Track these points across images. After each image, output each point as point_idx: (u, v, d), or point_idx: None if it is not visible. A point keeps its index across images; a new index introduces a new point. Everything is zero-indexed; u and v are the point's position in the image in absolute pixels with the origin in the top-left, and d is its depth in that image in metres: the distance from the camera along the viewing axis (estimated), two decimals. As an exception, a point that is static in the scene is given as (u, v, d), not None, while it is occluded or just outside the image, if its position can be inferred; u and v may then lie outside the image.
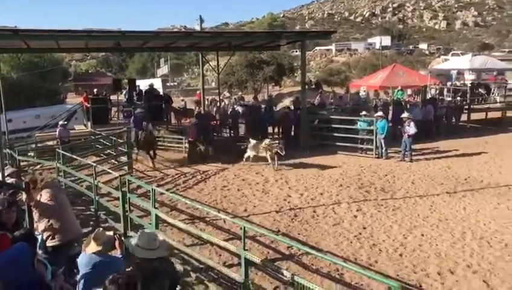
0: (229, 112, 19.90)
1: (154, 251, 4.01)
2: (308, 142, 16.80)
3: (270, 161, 14.24)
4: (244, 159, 15.02)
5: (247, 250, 6.04)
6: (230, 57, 27.75)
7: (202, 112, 19.35)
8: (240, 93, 32.79)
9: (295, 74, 45.13)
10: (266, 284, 6.60)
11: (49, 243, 5.57)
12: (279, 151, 14.07)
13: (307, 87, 20.17)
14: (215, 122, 18.99)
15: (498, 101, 24.90)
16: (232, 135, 19.45)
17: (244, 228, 5.97)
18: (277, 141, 14.67)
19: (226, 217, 8.24)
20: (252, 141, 14.91)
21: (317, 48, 76.81)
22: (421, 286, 6.68)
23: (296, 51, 54.98)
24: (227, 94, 31.87)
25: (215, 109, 21.44)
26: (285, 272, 5.59)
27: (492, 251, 7.86)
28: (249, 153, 14.84)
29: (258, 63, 40.32)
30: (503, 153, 15.60)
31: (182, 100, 25.40)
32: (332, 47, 77.78)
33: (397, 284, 4.95)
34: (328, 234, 8.89)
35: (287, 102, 28.70)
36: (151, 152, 15.21)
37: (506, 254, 7.71)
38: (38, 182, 5.63)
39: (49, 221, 5.61)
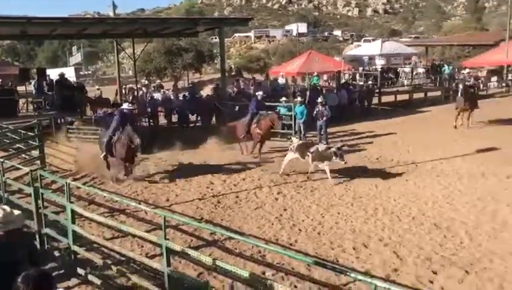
0: (147, 101, 19.45)
1: (8, 224, 4.26)
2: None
3: (310, 169, 11.51)
4: (282, 166, 11.85)
5: (168, 239, 6.00)
6: (146, 44, 27.08)
7: (118, 101, 18.70)
8: (158, 81, 32.08)
9: (215, 61, 44.94)
10: (190, 272, 6.61)
11: None
12: (338, 160, 10.90)
13: (227, 74, 20.20)
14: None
15: (406, 84, 26.65)
16: (152, 124, 19.04)
17: (165, 217, 5.92)
18: (333, 147, 11.11)
19: (147, 208, 8.10)
20: (295, 140, 12.22)
21: (236, 34, 76.79)
22: (338, 261, 7.03)
23: (215, 38, 54.64)
24: (146, 82, 31.04)
25: (131, 98, 20.79)
26: (206, 258, 5.63)
27: (401, 225, 8.46)
28: (290, 155, 11.73)
29: (176, 50, 39.66)
30: (411, 133, 16.72)
31: (98, 89, 24.36)
32: (251, 34, 78.19)
33: (312, 260, 5.21)
34: (250, 217, 9.07)
35: (208, 90, 28.54)
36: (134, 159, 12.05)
37: (413, 226, 8.35)
38: None
39: None
